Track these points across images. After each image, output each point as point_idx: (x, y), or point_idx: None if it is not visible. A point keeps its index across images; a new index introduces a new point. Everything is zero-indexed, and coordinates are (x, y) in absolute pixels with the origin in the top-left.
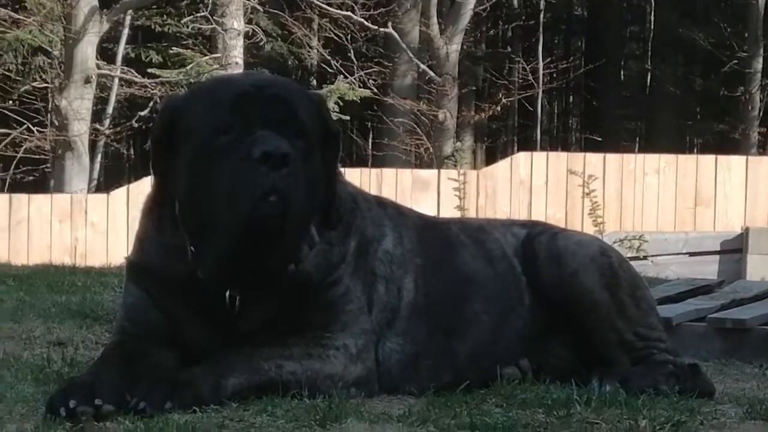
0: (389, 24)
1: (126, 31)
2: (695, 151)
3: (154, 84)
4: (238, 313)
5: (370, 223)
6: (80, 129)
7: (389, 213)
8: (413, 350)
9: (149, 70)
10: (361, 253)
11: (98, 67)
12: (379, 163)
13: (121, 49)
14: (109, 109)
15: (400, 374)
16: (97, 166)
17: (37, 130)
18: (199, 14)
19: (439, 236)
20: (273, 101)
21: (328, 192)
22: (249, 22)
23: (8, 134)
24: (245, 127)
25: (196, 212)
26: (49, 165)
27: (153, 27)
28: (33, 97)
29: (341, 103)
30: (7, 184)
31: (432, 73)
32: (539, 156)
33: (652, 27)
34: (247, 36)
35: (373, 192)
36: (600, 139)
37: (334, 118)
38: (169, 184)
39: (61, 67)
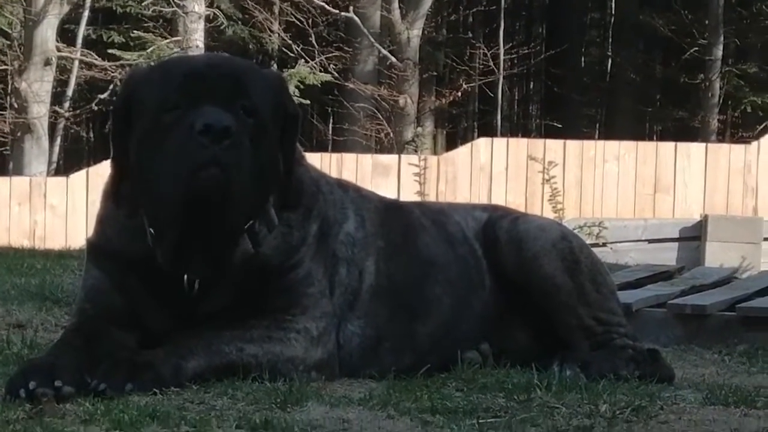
0: (350, 8)
1: (86, 13)
2: (655, 138)
3: (114, 67)
4: (198, 296)
5: (331, 206)
6: (40, 111)
7: (351, 196)
8: (374, 333)
9: (110, 51)
10: (322, 235)
11: (58, 49)
12: (339, 148)
13: (82, 31)
14: (69, 92)
15: (361, 357)
16: (57, 149)
17: None
18: None
19: (400, 219)
20: (222, 79)
21: (286, 172)
22: (210, 5)
23: None
24: (191, 104)
25: (146, 190)
26: (8, 148)
27: (114, 9)
28: None
29: (302, 88)
30: None
31: (393, 58)
32: (499, 142)
33: (613, 13)
34: (208, 19)
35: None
36: (560, 125)
37: (295, 101)
38: (127, 160)
39: (20, 49)
